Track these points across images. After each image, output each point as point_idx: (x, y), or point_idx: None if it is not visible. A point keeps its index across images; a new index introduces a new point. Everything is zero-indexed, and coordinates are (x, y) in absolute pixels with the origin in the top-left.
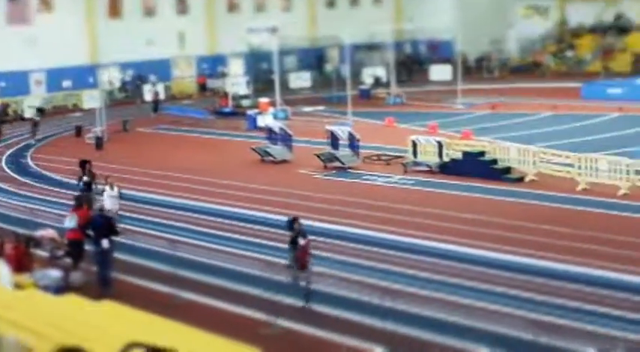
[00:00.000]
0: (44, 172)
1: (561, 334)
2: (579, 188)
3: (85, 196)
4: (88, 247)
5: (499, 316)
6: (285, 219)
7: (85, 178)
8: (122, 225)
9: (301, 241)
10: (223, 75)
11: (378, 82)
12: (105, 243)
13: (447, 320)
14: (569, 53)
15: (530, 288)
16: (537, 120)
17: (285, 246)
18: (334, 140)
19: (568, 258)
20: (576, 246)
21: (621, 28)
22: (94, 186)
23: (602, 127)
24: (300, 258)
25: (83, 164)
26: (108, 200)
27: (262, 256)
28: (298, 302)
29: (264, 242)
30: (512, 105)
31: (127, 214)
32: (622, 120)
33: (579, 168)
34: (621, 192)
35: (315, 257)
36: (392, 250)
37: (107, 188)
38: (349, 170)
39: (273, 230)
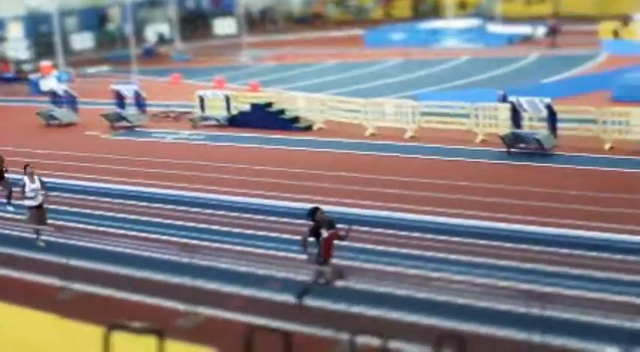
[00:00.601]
0: None
1: (362, 277)
2: (367, 133)
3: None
4: None
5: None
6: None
7: None
8: (50, 221)
9: (324, 233)
10: (2, 39)
11: (162, 39)
12: None
13: (257, 273)
14: (352, 1)
15: None
16: (324, 68)
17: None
18: (120, 99)
19: (360, 202)
20: (367, 189)
21: None
22: (7, 177)
23: (388, 72)
24: (323, 251)
25: None
26: (30, 194)
27: (53, 221)
28: (93, 265)
29: (53, 207)
30: (298, 55)
31: None
32: (406, 65)
33: (366, 113)
34: (408, 134)
35: (107, 218)
36: (185, 206)
37: (26, 180)
38: (137, 129)
39: (57, 193)
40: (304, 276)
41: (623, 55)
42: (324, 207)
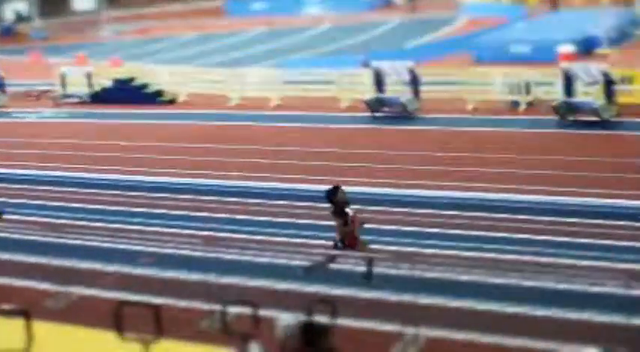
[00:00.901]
0: None
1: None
2: (232, 103)
3: None
4: None
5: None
6: None
7: None
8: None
9: (351, 212)
10: None
11: (20, 17)
12: None
13: (128, 249)
14: None
15: (196, 207)
16: (187, 41)
17: None
18: None
19: (221, 174)
20: (231, 160)
21: None
22: None
23: (252, 42)
24: (350, 236)
25: None
26: None
27: None
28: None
29: None
30: (160, 29)
31: None
32: (270, 34)
33: (230, 83)
34: (273, 103)
35: None
36: (50, 186)
37: None
38: None
39: None
40: (170, 249)
41: (480, 17)
42: (187, 180)
